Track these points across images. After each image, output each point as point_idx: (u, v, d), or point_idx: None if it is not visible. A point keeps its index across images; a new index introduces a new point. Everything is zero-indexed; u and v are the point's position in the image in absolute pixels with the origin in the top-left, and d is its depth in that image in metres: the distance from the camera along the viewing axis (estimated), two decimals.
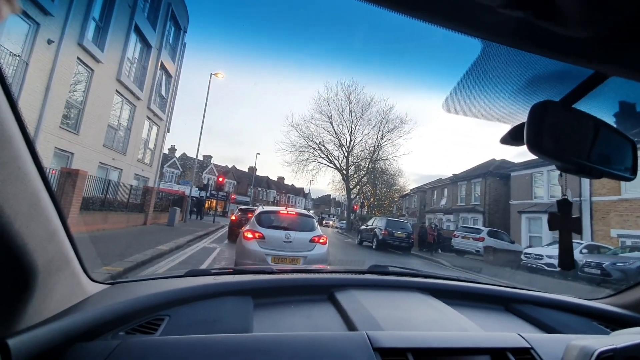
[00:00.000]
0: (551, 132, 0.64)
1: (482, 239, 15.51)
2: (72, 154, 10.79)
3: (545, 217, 17.32)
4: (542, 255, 12.36)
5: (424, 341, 0.87)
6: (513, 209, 20.38)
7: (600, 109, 0.72)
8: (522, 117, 0.75)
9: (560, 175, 0.78)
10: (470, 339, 0.93)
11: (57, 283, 0.76)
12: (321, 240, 5.71)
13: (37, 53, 8.64)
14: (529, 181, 19.84)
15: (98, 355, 0.70)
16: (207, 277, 1.27)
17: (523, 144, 0.73)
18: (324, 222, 48.25)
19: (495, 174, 24.14)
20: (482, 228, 17.51)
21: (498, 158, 28.50)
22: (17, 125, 0.53)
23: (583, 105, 0.70)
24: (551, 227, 0.78)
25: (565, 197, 0.80)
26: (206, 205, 21.79)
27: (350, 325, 1.03)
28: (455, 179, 28.71)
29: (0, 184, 0.50)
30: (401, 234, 15.19)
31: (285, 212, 6.11)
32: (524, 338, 0.95)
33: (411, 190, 41.09)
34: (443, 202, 30.21)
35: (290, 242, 5.46)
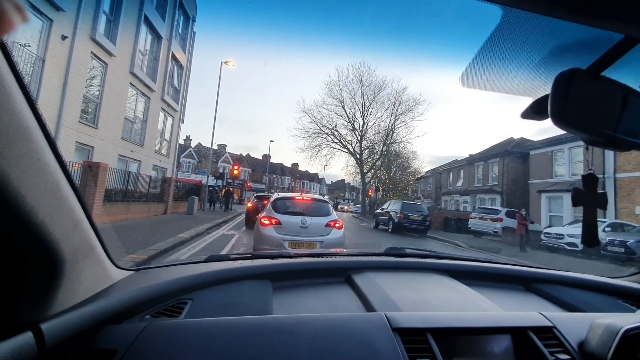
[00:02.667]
0: (577, 103, 0.62)
1: (501, 220, 15.23)
2: (93, 147, 11.08)
3: (566, 196, 16.86)
4: (562, 235, 12.08)
5: (444, 321, 0.86)
6: (532, 188, 19.89)
7: (630, 76, 0.68)
8: (545, 89, 0.72)
9: (587, 148, 0.75)
10: (490, 319, 0.92)
11: (84, 270, 0.78)
12: (337, 225, 5.74)
13: (52, 49, 8.80)
14: (549, 159, 19.25)
15: (127, 337, 0.73)
16: (227, 262, 1.30)
17: (546, 117, 0.70)
18: (339, 206, 48.55)
19: (513, 153, 23.49)
20: (500, 209, 17.13)
21: (516, 137, 27.61)
22: (33, 117, 0.53)
23: (612, 73, 0.66)
24: (575, 203, 0.75)
25: (591, 171, 0.77)
26: (222, 193, 21.98)
27: (368, 307, 1.03)
28: (472, 160, 28.13)
29: (22, 176, 0.50)
30: (417, 217, 15.11)
31: (301, 198, 6.20)
32: (546, 317, 0.93)
33: (426, 172, 40.56)
34: (459, 183, 29.74)
35: (307, 227, 5.51)
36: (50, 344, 0.63)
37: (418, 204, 17.68)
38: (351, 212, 41.99)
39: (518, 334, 0.87)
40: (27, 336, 0.59)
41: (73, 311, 0.71)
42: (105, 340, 0.74)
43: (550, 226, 15.38)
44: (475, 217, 16.66)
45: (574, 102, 0.61)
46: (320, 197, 6.84)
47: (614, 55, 0.63)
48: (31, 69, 8.35)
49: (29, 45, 8.13)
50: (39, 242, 0.60)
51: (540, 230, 14.11)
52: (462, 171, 29.74)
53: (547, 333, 0.88)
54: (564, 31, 0.65)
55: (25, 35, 8.03)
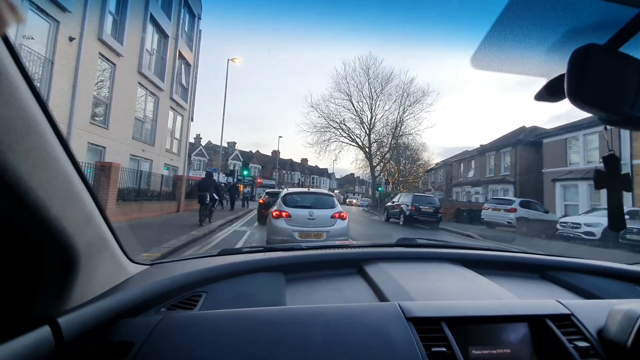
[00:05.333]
0: (594, 80, 0.59)
1: (514, 210, 14.93)
2: (104, 147, 11.26)
3: (581, 184, 16.48)
4: (579, 224, 11.82)
5: (458, 310, 0.85)
6: (546, 177, 19.47)
7: None
8: (559, 69, 0.70)
9: (605, 128, 0.72)
10: (506, 307, 0.90)
11: (99, 264, 0.78)
12: (342, 216, 6.25)
13: (60, 51, 8.91)
14: (563, 147, 18.80)
15: (143, 330, 0.74)
16: (239, 256, 1.31)
17: (561, 98, 0.68)
18: (347, 200, 48.57)
19: (525, 141, 22.99)
20: (513, 199, 16.79)
21: (528, 125, 27.06)
22: (41, 111, 0.53)
23: (631, 49, 0.63)
24: (597, 186, 0.72)
25: (612, 152, 0.74)
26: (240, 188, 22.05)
27: (381, 297, 1.03)
28: (483, 150, 27.68)
29: (31, 170, 0.50)
30: (428, 209, 15.02)
31: (308, 192, 6.94)
32: (563, 304, 0.91)
33: (436, 164, 40.15)
34: (470, 174, 29.34)
35: (314, 219, 6.04)
36: (67, 337, 0.63)
37: (429, 196, 17.53)
38: (358, 205, 41.91)
39: (535, 322, 0.85)
40: (45, 330, 0.60)
41: (89, 305, 0.72)
42: (122, 333, 0.75)
43: (565, 215, 15.05)
44: (488, 208, 16.36)
45: (591, 80, 0.59)
46: (325, 191, 7.42)
47: (633, 29, 0.60)
48: (40, 70, 8.49)
49: (39, 53, 8.25)
50: (53, 237, 0.60)
51: (556, 220, 13.83)
52: (473, 162, 29.30)
53: (565, 321, 0.86)
54: (580, 7, 0.63)
55: (34, 38, 8.15)
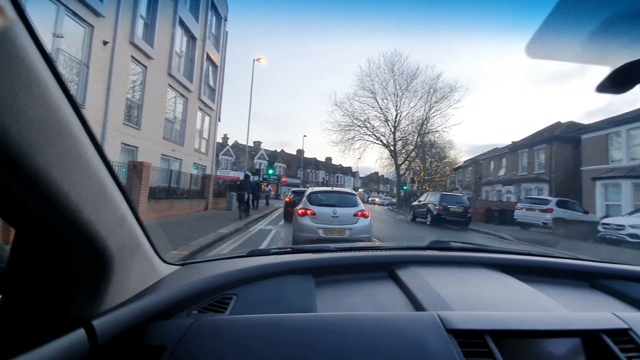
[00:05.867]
0: None
1: (551, 210, 14.11)
2: (137, 147, 11.70)
3: (624, 183, 15.40)
4: (623, 226, 11.01)
5: (504, 322, 0.79)
6: (585, 175, 18.37)
7: None
8: (629, 56, 0.60)
9: None
10: (557, 320, 0.83)
11: (132, 266, 0.79)
12: (364, 214, 6.44)
13: (95, 55, 9.31)
14: (604, 143, 17.65)
15: (175, 333, 0.74)
16: (268, 257, 1.30)
17: (629, 88, 0.61)
18: (369, 199, 48.33)
19: (562, 138, 21.78)
20: (549, 198, 15.86)
21: (564, 121, 25.58)
22: (73, 113, 0.52)
23: None
24: None
25: None
26: (264, 187, 22.26)
27: (416, 304, 0.97)
28: (515, 147, 26.49)
29: (63, 174, 0.50)
30: (457, 209, 14.50)
31: (332, 191, 7.25)
32: (620, 318, 0.84)
33: (464, 162, 38.91)
34: (501, 172, 28.20)
35: (337, 217, 6.26)
36: (102, 339, 0.64)
37: (458, 195, 16.94)
38: (379, 204, 41.63)
39: (589, 337, 0.78)
40: (80, 333, 0.61)
41: (123, 307, 0.73)
42: (154, 336, 0.75)
43: (607, 216, 14.08)
44: (522, 208, 15.57)
45: None
46: (348, 190, 7.65)
47: None
48: (77, 74, 8.92)
49: (75, 57, 8.67)
50: (86, 241, 0.60)
51: (597, 221, 12.98)
52: (504, 159, 28.14)
53: (623, 336, 0.79)
54: None
55: (70, 44, 8.57)
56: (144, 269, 0.87)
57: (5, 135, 0.40)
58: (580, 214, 14.75)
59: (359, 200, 6.91)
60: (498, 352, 0.71)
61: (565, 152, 21.46)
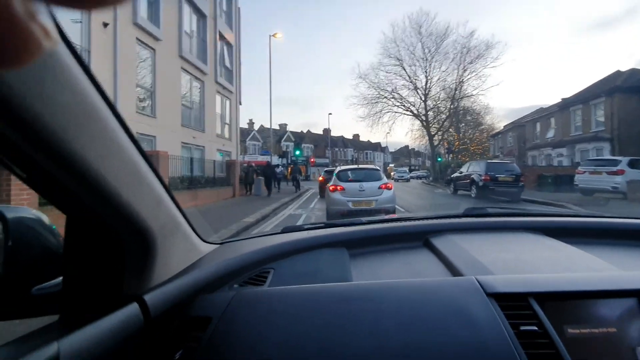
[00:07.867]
0: None
1: (622, 172, 12.08)
2: (154, 137, 11.13)
3: None
4: None
5: (549, 284, 0.73)
6: None
7: None
8: None
9: None
10: (608, 280, 0.75)
11: (174, 245, 0.81)
12: (388, 186, 7.36)
13: (95, 39, 8.60)
14: None
15: (220, 305, 0.77)
16: (302, 232, 1.32)
17: None
18: (392, 173, 43.59)
19: (624, 88, 19.02)
20: (619, 158, 13.65)
21: (624, 69, 22.37)
22: (99, 97, 0.50)
23: None
24: None
25: None
26: (288, 172, 21.52)
27: (454, 271, 0.95)
28: (566, 104, 23.71)
29: (98, 159, 0.50)
30: (507, 177, 12.90)
31: (358, 168, 8.26)
32: None
33: (504, 126, 35.98)
34: (550, 134, 25.60)
35: (364, 190, 7.18)
36: (154, 313, 0.67)
37: (507, 162, 15.24)
38: (395, 178, 36.28)
39: None
40: (134, 307, 0.64)
41: (170, 283, 0.76)
42: (200, 308, 0.78)
43: None
44: (584, 172, 13.53)
45: None
46: (372, 166, 8.75)
47: None
48: None
49: (75, 43, 7.94)
50: (129, 221, 0.62)
51: None
52: (552, 119, 25.47)
53: None
54: None
55: (66, 27, 7.84)
56: (186, 247, 0.89)
57: (39, 122, 0.40)
58: None
59: (383, 175, 7.87)
60: (544, 315, 0.67)
61: (630, 104, 18.72)
